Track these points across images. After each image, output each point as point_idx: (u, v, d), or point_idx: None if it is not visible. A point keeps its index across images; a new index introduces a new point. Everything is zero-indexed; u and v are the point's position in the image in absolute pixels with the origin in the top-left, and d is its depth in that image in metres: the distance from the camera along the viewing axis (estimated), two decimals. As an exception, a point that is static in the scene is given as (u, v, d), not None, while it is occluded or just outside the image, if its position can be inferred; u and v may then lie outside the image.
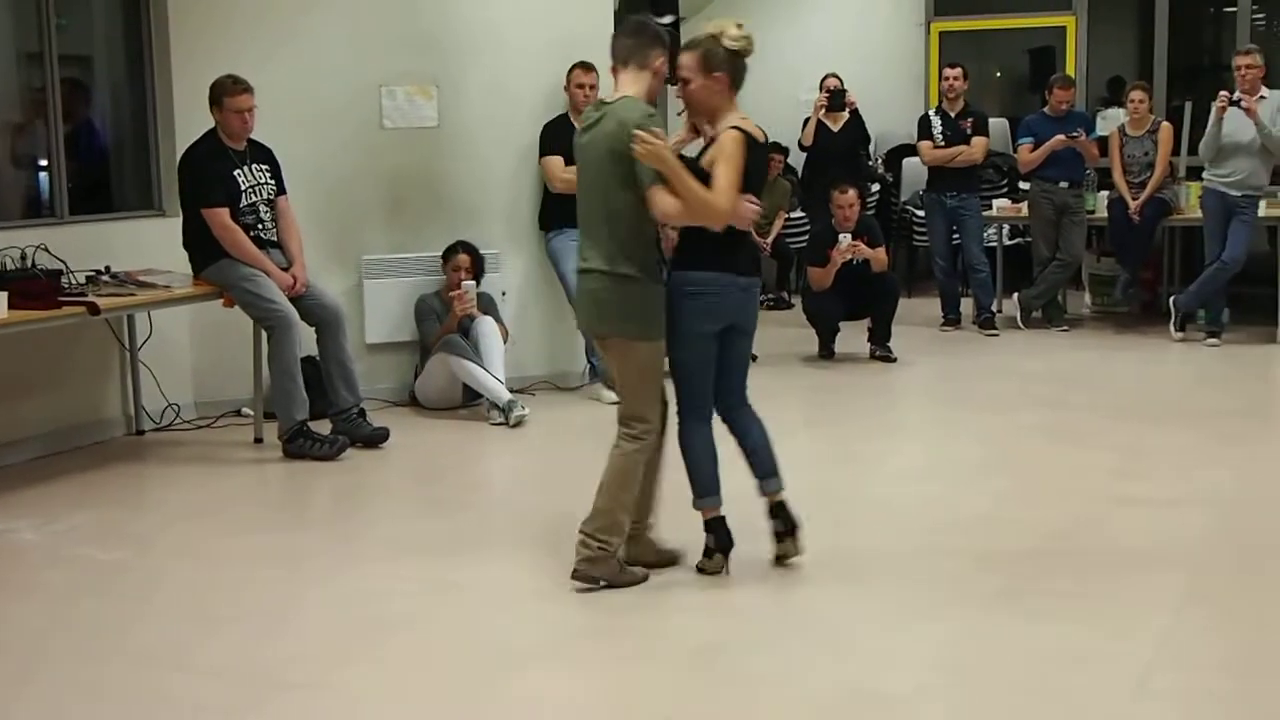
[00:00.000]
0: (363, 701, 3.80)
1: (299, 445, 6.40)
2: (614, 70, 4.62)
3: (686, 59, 4.49)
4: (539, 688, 3.86)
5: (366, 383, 7.11)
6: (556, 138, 7.71)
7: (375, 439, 6.61)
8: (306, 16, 7.37)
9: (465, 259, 7.42)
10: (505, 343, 7.40)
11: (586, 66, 7.69)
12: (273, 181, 6.65)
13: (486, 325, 7.32)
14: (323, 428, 6.56)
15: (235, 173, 6.48)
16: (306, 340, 6.61)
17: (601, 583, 4.53)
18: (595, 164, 4.49)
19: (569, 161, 7.65)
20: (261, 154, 6.63)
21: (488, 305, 7.50)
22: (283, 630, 4.35)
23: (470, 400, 7.35)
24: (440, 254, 7.51)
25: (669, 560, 4.77)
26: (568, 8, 7.90)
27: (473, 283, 7.37)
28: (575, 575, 4.54)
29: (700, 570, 4.68)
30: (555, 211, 7.76)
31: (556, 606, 4.50)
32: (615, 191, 4.44)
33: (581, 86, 7.68)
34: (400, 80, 7.55)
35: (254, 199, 6.54)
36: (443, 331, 7.32)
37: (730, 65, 4.49)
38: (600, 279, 4.50)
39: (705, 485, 4.65)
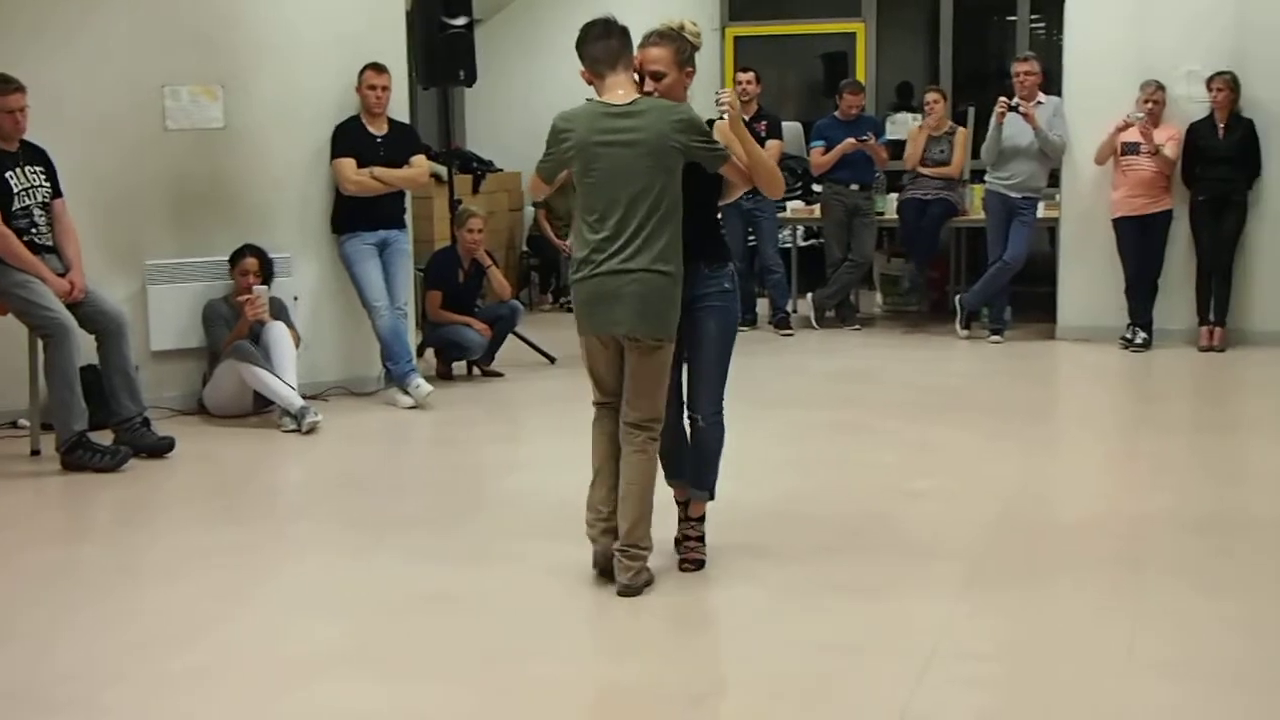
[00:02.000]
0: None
1: (78, 457, 6.17)
2: (595, 76, 4.46)
3: (660, 54, 4.47)
4: (331, 700, 3.78)
5: (152, 391, 6.91)
6: (348, 139, 7.62)
7: (160, 448, 6.42)
8: (84, 14, 7.09)
9: (253, 262, 7.25)
10: (297, 348, 7.25)
11: (378, 68, 7.62)
12: (48, 184, 6.39)
13: (277, 330, 7.17)
14: (104, 438, 6.34)
15: (7, 175, 6.21)
16: (87, 348, 6.38)
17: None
18: (639, 163, 4.35)
19: (361, 163, 7.61)
20: (35, 155, 6.37)
21: (279, 310, 7.34)
22: (55, 649, 4.17)
23: (261, 407, 7.18)
24: (228, 258, 7.33)
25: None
26: (356, 8, 7.79)
27: (264, 287, 7.21)
28: (625, 592, 4.44)
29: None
30: (348, 214, 7.66)
31: (351, 615, 4.42)
32: (668, 189, 4.38)
33: (374, 88, 7.60)
34: (184, 80, 7.33)
35: (28, 202, 6.28)
36: (232, 337, 7.13)
37: (692, 60, 4.57)
38: (654, 278, 4.38)
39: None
